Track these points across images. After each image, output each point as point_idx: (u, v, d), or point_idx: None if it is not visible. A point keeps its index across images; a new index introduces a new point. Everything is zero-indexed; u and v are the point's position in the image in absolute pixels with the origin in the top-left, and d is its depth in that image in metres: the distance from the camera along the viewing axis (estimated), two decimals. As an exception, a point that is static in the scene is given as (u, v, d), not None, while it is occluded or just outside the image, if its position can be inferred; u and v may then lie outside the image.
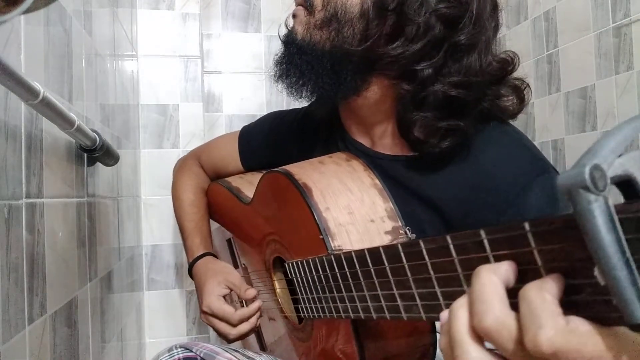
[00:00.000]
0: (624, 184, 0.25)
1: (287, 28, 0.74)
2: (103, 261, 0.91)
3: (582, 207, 0.24)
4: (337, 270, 0.55)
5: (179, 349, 0.73)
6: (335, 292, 0.56)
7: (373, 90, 0.69)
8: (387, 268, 0.45)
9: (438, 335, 0.61)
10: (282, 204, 0.74)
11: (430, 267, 0.38)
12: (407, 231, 0.63)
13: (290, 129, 0.91)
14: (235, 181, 0.97)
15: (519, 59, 0.68)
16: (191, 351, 0.73)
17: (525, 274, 0.30)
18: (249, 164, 0.97)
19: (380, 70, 0.66)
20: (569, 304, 0.27)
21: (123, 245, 1.16)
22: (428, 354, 0.63)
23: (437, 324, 0.60)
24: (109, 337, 0.96)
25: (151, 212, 1.47)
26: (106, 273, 0.94)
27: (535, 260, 0.29)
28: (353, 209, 0.64)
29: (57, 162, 0.66)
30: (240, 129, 0.99)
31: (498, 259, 0.31)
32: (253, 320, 0.81)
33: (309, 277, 0.62)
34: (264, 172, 0.80)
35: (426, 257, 0.39)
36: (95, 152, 0.76)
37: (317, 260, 0.59)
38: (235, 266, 0.98)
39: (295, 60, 0.69)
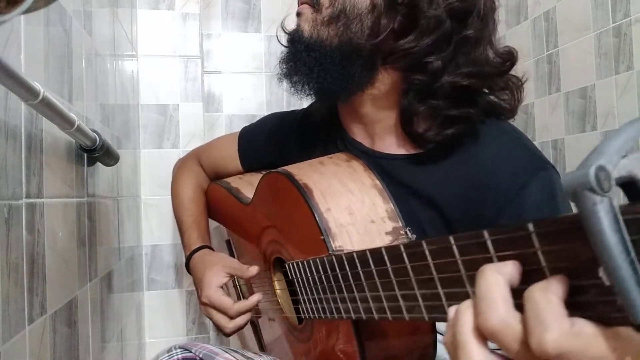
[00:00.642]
0: (628, 185, 0.25)
1: (284, 30, 0.75)
2: (103, 261, 0.91)
3: (587, 208, 0.24)
4: (338, 271, 0.54)
5: (178, 350, 0.73)
6: (336, 292, 0.56)
7: (380, 83, 0.69)
8: (390, 269, 0.45)
9: (438, 336, 0.61)
10: (282, 205, 0.74)
11: (433, 268, 0.38)
12: (408, 232, 0.63)
13: (290, 129, 0.91)
14: (234, 182, 0.96)
15: (517, 52, 0.69)
16: (190, 352, 0.72)
17: (530, 275, 0.30)
18: (248, 165, 0.97)
19: (389, 63, 0.67)
20: (574, 305, 0.27)
21: (123, 245, 1.16)
22: (428, 353, 0.63)
23: (438, 323, 0.60)
24: (109, 337, 0.96)
25: (151, 212, 1.47)
26: (106, 273, 0.94)
27: (540, 261, 0.29)
28: (354, 209, 0.64)
29: (57, 162, 0.66)
30: (240, 129, 0.99)
31: (502, 259, 0.31)
32: (249, 313, 0.80)
33: (310, 278, 0.62)
34: (264, 172, 0.80)
35: (429, 257, 0.38)
36: (95, 152, 0.76)
37: (318, 261, 0.59)
38: (235, 266, 0.98)
39: (303, 57, 0.69)
